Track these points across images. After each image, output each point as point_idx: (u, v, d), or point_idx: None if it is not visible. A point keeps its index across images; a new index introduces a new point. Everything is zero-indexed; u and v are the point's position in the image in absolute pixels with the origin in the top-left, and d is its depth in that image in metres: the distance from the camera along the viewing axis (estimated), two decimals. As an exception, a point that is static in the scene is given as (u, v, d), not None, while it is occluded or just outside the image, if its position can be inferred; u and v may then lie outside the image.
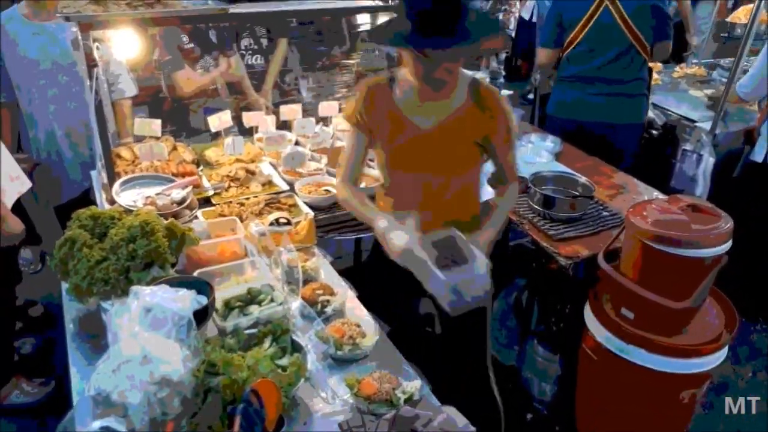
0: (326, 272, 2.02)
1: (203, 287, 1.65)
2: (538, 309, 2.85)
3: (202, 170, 2.64)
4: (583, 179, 2.65)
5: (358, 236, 2.45)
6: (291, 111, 2.98)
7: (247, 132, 2.95)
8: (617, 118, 3.23)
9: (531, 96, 5.30)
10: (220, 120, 2.78)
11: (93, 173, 2.69)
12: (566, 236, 2.42)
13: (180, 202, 2.21)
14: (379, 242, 1.81)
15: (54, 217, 2.97)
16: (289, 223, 2.17)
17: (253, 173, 2.55)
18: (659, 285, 2.09)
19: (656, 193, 2.74)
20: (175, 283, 1.59)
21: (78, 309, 1.85)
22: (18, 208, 2.52)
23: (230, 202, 2.38)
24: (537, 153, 3.05)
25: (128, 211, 2.01)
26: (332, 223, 2.38)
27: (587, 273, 2.37)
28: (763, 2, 3.29)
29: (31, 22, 2.81)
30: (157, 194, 2.25)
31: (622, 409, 2.29)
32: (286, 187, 2.54)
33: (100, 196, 2.40)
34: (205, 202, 2.42)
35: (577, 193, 2.58)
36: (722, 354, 2.14)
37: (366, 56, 3.77)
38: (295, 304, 1.74)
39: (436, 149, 1.88)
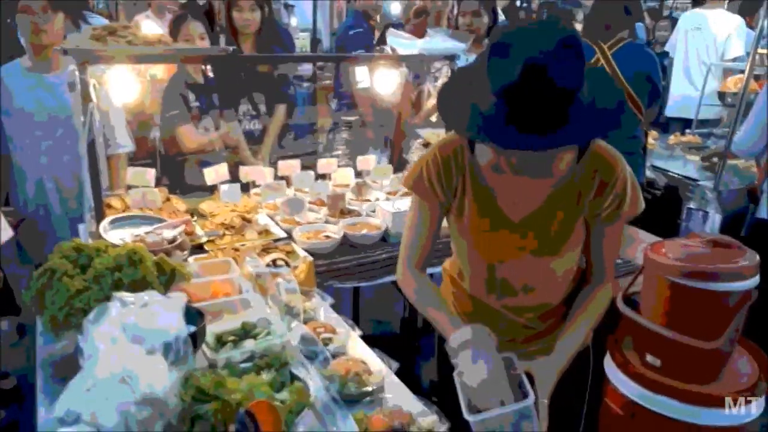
0: (326, 314, 1.86)
1: (192, 316, 1.47)
2: None
3: (195, 220, 2.53)
4: None
5: (359, 284, 2.30)
6: (289, 166, 2.92)
7: (244, 187, 2.86)
8: None
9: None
10: (217, 173, 2.71)
11: (81, 226, 2.57)
12: None
13: (171, 241, 2.09)
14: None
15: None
16: (287, 265, 2.03)
17: (249, 221, 2.44)
18: (687, 326, 1.94)
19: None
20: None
21: (52, 354, 1.65)
22: None
23: (224, 248, 2.25)
24: None
25: (115, 246, 1.87)
26: (332, 270, 2.25)
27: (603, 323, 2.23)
28: (752, 71, 3.39)
29: (30, 74, 2.79)
30: (147, 233, 2.14)
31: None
32: (283, 234, 2.42)
33: (85, 237, 2.27)
34: (198, 248, 2.29)
35: None
36: (761, 403, 1.96)
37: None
38: (296, 337, 1.57)
39: (532, 235, 1.47)
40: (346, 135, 3.65)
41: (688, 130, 4.53)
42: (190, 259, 2.13)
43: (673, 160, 4.06)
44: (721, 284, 1.88)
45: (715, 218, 3.34)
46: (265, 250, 2.25)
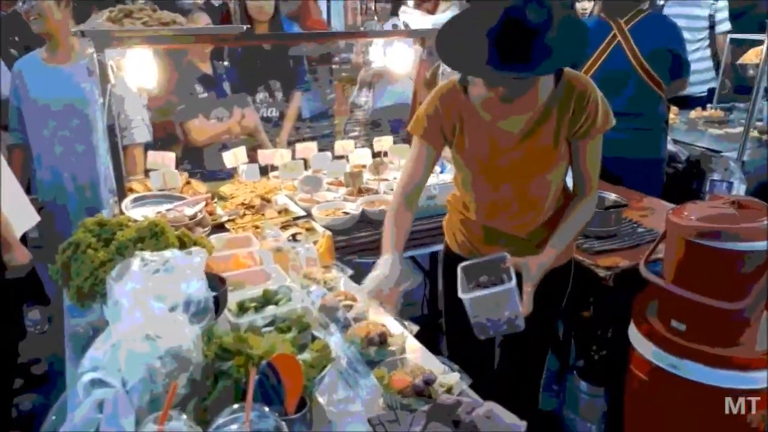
0: (346, 285, 1.87)
1: (213, 282, 1.46)
2: (576, 341, 2.63)
3: (216, 201, 2.55)
4: (612, 196, 2.53)
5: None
6: (306, 149, 2.93)
7: (263, 170, 2.88)
8: (634, 152, 3.11)
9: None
10: (236, 156, 2.72)
11: (104, 212, 2.59)
12: (602, 249, 2.30)
13: (192, 218, 2.11)
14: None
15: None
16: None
17: (268, 201, 2.46)
18: (711, 289, 1.90)
19: None
20: None
21: (79, 328, 1.69)
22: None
23: (244, 227, 2.27)
24: None
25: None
26: (351, 245, 2.25)
27: (628, 288, 2.20)
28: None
29: (46, 65, 2.83)
30: (168, 209, 2.17)
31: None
32: (302, 212, 2.43)
33: (109, 214, 2.30)
34: (219, 228, 2.31)
35: (606, 207, 2.46)
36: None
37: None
38: (316, 302, 1.58)
39: (523, 151, 1.73)
40: (361, 116, 3.65)
41: (709, 105, 4.41)
42: (212, 237, 2.15)
43: (694, 133, 3.97)
44: (745, 244, 1.85)
45: (740, 189, 3.23)
46: (285, 227, 2.26)
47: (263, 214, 2.40)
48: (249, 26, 2.34)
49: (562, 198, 1.87)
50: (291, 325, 1.46)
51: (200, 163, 3.24)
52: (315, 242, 2.07)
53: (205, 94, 3.24)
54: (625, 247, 2.33)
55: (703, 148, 3.60)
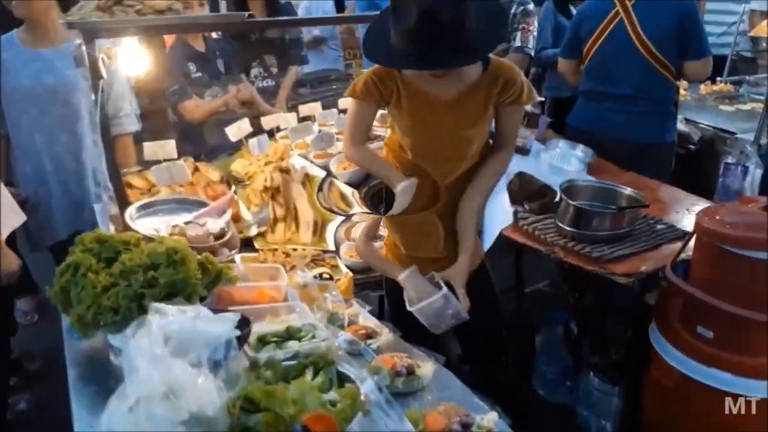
0: (366, 318, 1.81)
1: (238, 321, 1.34)
2: (590, 338, 2.58)
3: (235, 192, 2.40)
4: (627, 191, 2.34)
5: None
6: (310, 108, 2.89)
7: (269, 134, 2.76)
8: (639, 137, 2.98)
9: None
10: (239, 129, 2.59)
11: (96, 207, 2.39)
12: (617, 255, 2.13)
13: (218, 237, 1.89)
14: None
15: (51, 260, 2.69)
16: (331, 278, 2.01)
17: (287, 171, 2.42)
18: (741, 297, 1.84)
19: (713, 204, 2.51)
20: None
21: (81, 350, 1.60)
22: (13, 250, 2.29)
23: (275, 249, 2.15)
24: (567, 161, 2.80)
25: (148, 239, 1.72)
26: (366, 282, 2.18)
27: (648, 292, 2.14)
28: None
29: (26, 49, 2.61)
30: (187, 223, 1.92)
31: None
32: (323, 173, 2.52)
33: (106, 226, 2.11)
34: (246, 245, 2.15)
35: (621, 207, 2.29)
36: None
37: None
38: (341, 337, 1.51)
39: (456, 113, 1.84)
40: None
41: (719, 78, 4.26)
42: (237, 258, 2.00)
43: (705, 111, 3.82)
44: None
45: (756, 173, 3.13)
46: (314, 260, 2.19)
47: (296, 208, 2.32)
48: (249, 12, 2.17)
49: (482, 152, 1.99)
50: (314, 361, 1.36)
51: (201, 142, 3.08)
52: (338, 280, 2.04)
53: (199, 74, 3.10)
54: (643, 249, 2.19)
55: (716, 128, 3.47)
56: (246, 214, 2.28)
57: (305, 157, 2.63)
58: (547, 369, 2.69)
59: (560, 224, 2.26)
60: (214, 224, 1.96)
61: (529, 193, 2.53)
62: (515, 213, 2.43)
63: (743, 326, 1.86)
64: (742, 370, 1.87)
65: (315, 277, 1.96)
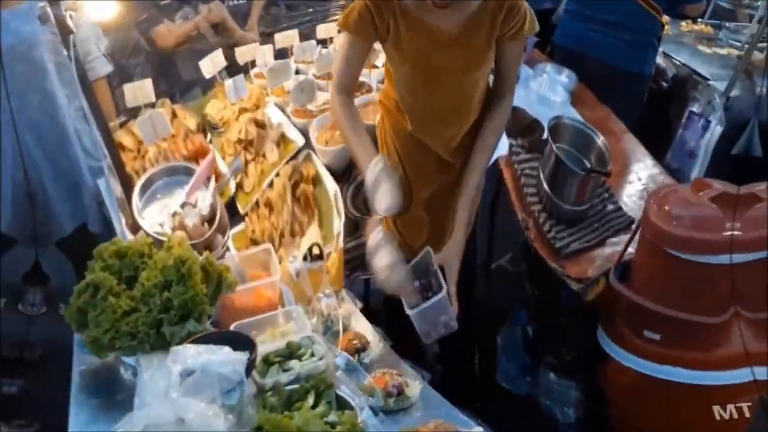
0: (356, 319, 1.97)
1: (244, 343, 1.56)
2: (545, 340, 2.72)
3: (211, 141, 2.50)
4: (599, 141, 2.43)
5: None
6: (287, 38, 2.82)
7: (243, 70, 2.76)
8: (619, 61, 3.12)
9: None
10: (213, 63, 2.60)
11: (100, 182, 2.38)
12: (573, 249, 2.25)
13: (210, 219, 2.08)
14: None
15: (58, 252, 2.66)
16: (321, 255, 2.09)
17: (263, 126, 2.42)
18: (686, 298, 1.92)
19: (660, 172, 2.60)
20: (215, 339, 1.51)
21: (90, 363, 1.70)
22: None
23: (257, 206, 2.27)
24: (553, 89, 2.94)
25: (157, 242, 1.87)
26: (354, 260, 2.28)
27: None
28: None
29: None
30: (183, 205, 2.10)
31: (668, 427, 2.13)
32: (301, 140, 2.39)
33: (117, 220, 2.15)
34: (230, 209, 2.29)
35: (590, 165, 2.40)
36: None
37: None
38: (339, 358, 1.69)
39: (459, 49, 1.78)
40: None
41: (700, 19, 4.17)
42: (231, 250, 2.16)
43: (684, 48, 3.78)
44: (723, 257, 1.80)
45: (716, 131, 3.06)
46: (295, 187, 2.26)
47: (264, 155, 2.35)
48: None
49: (482, 101, 1.96)
50: (315, 384, 1.55)
51: (175, 76, 3.06)
52: (329, 254, 2.10)
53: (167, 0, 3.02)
54: (593, 243, 2.28)
55: (692, 69, 3.44)
56: (222, 166, 2.38)
57: (282, 109, 2.54)
58: (508, 366, 2.85)
59: (542, 173, 2.38)
60: (204, 201, 2.14)
61: (520, 127, 2.69)
62: (510, 146, 2.60)
63: (690, 328, 1.94)
64: (695, 364, 1.96)
65: (306, 257, 2.06)
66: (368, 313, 2.07)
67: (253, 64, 2.80)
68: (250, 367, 1.51)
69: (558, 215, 2.35)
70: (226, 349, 1.43)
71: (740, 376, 1.97)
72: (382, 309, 2.31)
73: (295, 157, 2.37)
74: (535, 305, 2.81)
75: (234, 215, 2.33)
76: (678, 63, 3.56)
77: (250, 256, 2.05)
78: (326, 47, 2.91)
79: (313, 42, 2.88)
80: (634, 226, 2.17)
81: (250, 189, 2.35)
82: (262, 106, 2.58)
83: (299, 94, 2.50)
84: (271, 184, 2.32)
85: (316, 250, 2.06)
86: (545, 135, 2.44)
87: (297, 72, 2.79)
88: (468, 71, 1.82)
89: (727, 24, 4.23)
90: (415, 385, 1.67)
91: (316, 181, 2.30)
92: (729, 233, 1.86)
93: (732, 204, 1.91)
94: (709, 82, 3.31)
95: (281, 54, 2.91)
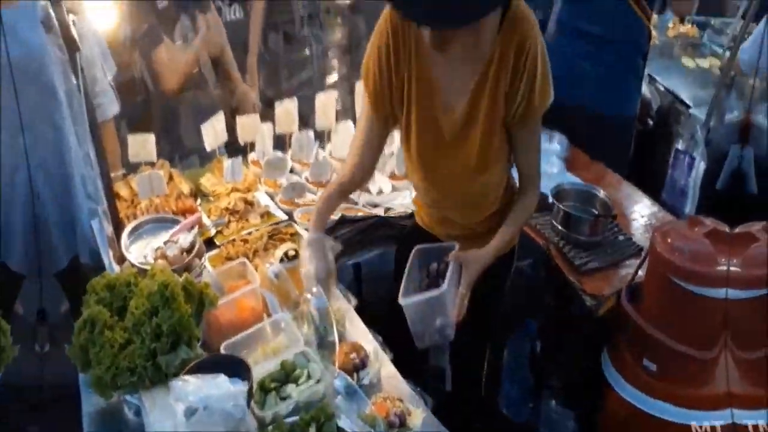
0: (351, 321, 1.93)
1: (239, 368, 1.56)
2: (550, 359, 2.66)
3: (200, 204, 2.58)
4: (601, 194, 2.53)
5: (360, 260, 2.38)
6: (287, 115, 2.82)
7: (242, 150, 2.82)
8: (602, 106, 2.95)
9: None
10: (215, 130, 2.66)
11: (94, 224, 2.29)
12: (590, 267, 2.33)
13: (189, 250, 2.13)
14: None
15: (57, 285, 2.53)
16: (297, 255, 2.11)
17: (251, 204, 2.51)
18: (685, 329, 1.95)
19: (659, 210, 2.67)
20: (208, 365, 1.52)
21: (97, 403, 1.69)
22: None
23: (233, 240, 2.34)
24: (547, 160, 2.87)
25: (141, 271, 1.91)
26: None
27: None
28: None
29: None
30: (166, 243, 2.15)
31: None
32: (284, 216, 2.49)
33: (106, 254, 2.17)
34: (209, 243, 2.34)
35: (597, 212, 2.51)
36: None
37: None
38: (337, 380, 1.65)
39: (463, 151, 1.71)
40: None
41: (687, 17, 4.09)
42: (208, 268, 2.20)
43: (669, 63, 3.74)
44: (721, 290, 1.84)
45: (700, 167, 2.97)
46: (272, 236, 2.33)
47: (247, 220, 2.44)
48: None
49: (507, 194, 1.88)
50: (315, 416, 1.51)
51: (176, 139, 3.12)
52: None
53: (165, 2, 2.98)
54: (608, 264, 2.35)
55: (674, 95, 3.38)
56: (207, 221, 2.46)
57: (272, 197, 2.63)
58: (511, 387, 2.78)
59: (554, 222, 2.48)
60: (185, 240, 2.18)
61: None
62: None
63: (681, 361, 1.95)
64: (682, 401, 1.96)
65: (282, 259, 2.06)
66: (362, 307, 2.02)
67: (251, 146, 2.81)
68: (249, 396, 1.50)
69: (575, 243, 2.44)
70: (222, 377, 1.44)
71: (723, 417, 1.97)
72: (376, 300, 2.21)
73: (277, 224, 2.47)
74: (547, 315, 2.74)
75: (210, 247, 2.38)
76: (662, 89, 3.55)
77: (227, 271, 2.06)
78: (323, 147, 2.92)
79: (311, 135, 2.85)
80: (644, 253, 2.22)
81: (229, 233, 2.43)
82: (254, 190, 2.67)
83: (290, 192, 2.60)
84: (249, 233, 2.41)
85: (291, 253, 2.10)
86: (550, 200, 2.50)
87: (291, 171, 2.82)
88: (477, 172, 1.74)
89: (713, 21, 4.19)
90: (417, 414, 1.64)
91: (295, 237, 2.36)
92: (725, 268, 1.90)
93: (724, 240, 1.96)
94: (691, 111, 3.30)
95: (280, 140, 2.91)
